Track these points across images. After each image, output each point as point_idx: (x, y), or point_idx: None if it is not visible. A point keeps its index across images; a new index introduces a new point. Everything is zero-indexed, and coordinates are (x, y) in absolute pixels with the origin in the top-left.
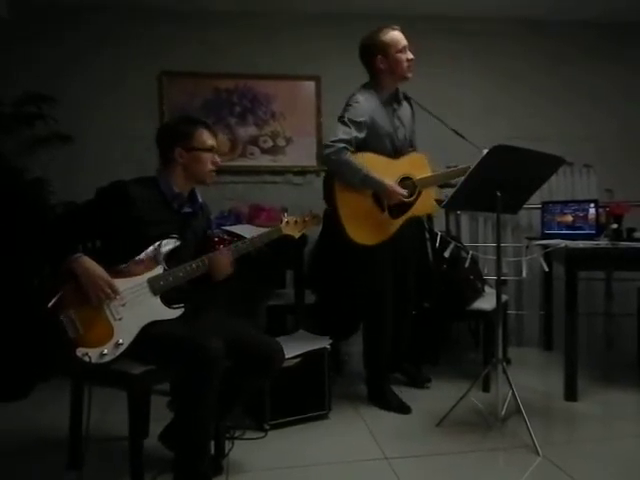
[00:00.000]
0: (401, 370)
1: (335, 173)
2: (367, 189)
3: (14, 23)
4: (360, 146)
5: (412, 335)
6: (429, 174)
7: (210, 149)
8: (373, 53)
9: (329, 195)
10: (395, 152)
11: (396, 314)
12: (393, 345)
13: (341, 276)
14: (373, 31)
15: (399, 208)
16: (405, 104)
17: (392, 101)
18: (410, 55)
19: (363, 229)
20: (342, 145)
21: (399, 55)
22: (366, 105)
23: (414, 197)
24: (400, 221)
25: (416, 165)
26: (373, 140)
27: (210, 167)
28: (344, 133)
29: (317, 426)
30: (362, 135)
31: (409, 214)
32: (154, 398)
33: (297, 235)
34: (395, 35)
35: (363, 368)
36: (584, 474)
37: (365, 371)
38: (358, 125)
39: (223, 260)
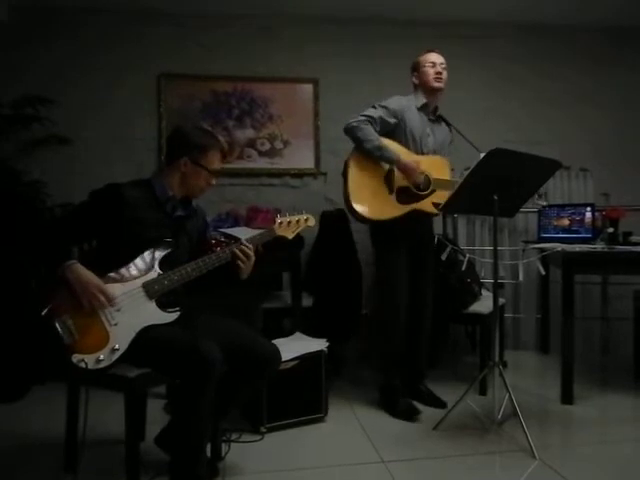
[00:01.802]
0: (418, 394)
1: (354, 140)
2: (382, 161)
3: (14, 26)
4: (388, 137)
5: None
6: (447, 178)
7: (214, 172)
8: (412, 72)
9: (344, 169)
10: (421, 154)
11: (411, 328)
12: (408, 364)
13: (338, 278)
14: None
15: (408, 196)
16: (444, 126)
17: (428, 112)
18: (438, 68)
19: (366, 200)
20: (365, 118)
21: (425, 69)
22: (399, 101)
23: (426, 192)
24: (406, 209)
25: (437, 166)
26: (399, 136)
27: (204, 186)
28: (370, 112)
29: (314, 429)
30: (390, 120)
31: (416, 206)
32: (150, 401)
33: (290, 236)
34: (427, 54)
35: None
36: (580, 477)
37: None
38: (386, 110)
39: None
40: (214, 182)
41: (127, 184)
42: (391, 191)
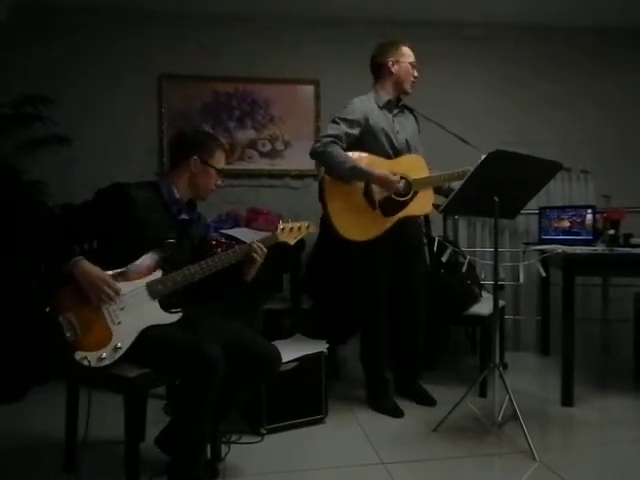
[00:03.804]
0: (412, 393)
1: (323, 165)
2: (356, 181)
3: (13, 26)
4: (356, 146)
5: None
6: (426, 175)
7: (220, 171)
8: (387, 56)
9: (320, 191)
10: (395, 155)
11: (404, 329)
12: (403, 364)
13: (338, 280)
14: (392, 40)
15: (392, 206)
16: (408, 114)
17: (391, 107)
18: (416, 73)
19: (352, 224)
20: (329, 139)
21: (409, 67)
22: (360, 105)
23: (409, 196)
24: (394, 219)
25: (413, 166)
26: (370, 140)
27: (212, 186)
28: (332, 129)
29: (313, 430)
30: (354, 132)
31: (403, 213)
32: (150, 401)
33: (292, 242)
34: (407, 50)
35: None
36: (581, 479)
37: (363, 373)
38: (348, 122)
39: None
40: (220, 182)
41: (133, 184)
42: (374, 206)
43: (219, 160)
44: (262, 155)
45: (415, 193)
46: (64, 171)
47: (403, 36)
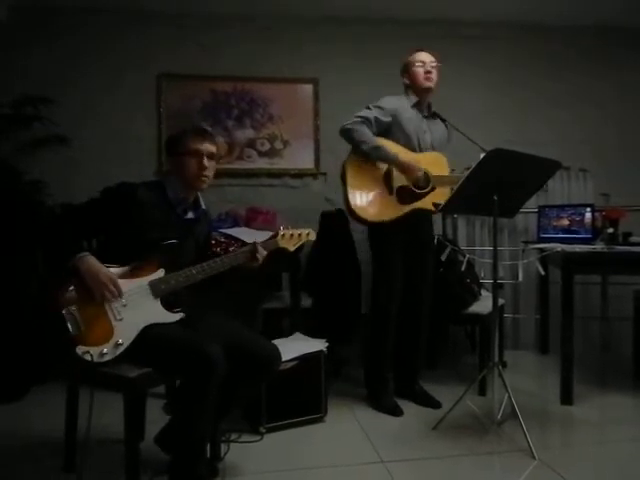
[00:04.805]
0: (412, 394)
1: (350, 142)
2: (379, 161)
3: (13, 26)
4: (384, 136)
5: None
6: (446, 174)
7: (194, 153)
8: (402, 73)
9: (342, 172)
10: (420, 151)
11: (408, 327)
12: (404, 363)
13: (337, 278)
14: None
15: (409, 196)
16: (439, 122)
17: (422, 108)
18: (428, 67)
19: (367, 204)
20: (360, 119)
21: (416, 69)
22: (392, 101)
23: (426, 190)
24: (407, 208)
25: (434, 162)
26: (397, 133)
27: (195, 171)
28: (364, 112)
29: (313, 429)
30: (385, 119)
31: (418, 204)
32: (150, 400)
33: (292, 249)
34: (416, 54)
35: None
36: (580, 477)
37: (364, 369)
38: (381, 109)
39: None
40: (206, 162)
41: (140, 184)
42: (391, 192)
43: (187, 144)
44: (261, 154)
45: (433, 189)
46: (64, 171)
47: (403, 35)
